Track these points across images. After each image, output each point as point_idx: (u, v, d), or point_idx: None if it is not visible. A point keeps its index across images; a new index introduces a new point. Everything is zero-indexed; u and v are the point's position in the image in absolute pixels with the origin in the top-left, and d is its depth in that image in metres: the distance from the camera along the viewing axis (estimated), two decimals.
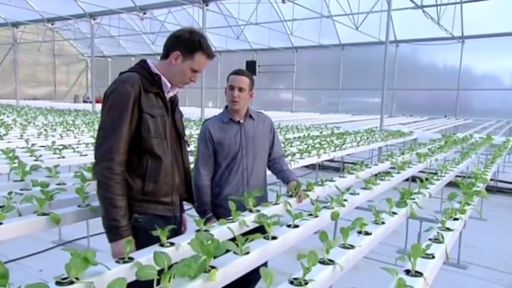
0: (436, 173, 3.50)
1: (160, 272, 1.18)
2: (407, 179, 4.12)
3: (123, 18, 17.96)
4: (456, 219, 2.09)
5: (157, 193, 1.81)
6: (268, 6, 15.75)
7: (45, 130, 6.07)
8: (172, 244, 1.59)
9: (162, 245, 1.58)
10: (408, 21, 15.24)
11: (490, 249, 4.35)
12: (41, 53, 25.80)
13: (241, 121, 2.47)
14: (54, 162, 3.32)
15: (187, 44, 1.79)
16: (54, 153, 3.72)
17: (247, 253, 1.52)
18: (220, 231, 1.78)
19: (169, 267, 1.20)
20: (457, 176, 4.06)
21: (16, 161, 3.00)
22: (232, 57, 20.84)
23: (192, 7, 13.60)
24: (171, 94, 1.92)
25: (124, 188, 1.71)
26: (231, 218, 1.93)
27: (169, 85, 1.86)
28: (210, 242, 1.36)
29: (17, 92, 19.22)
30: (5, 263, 3.79)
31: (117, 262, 1.38)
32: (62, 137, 5.34)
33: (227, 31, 17.38)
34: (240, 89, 2.37)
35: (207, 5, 10.92)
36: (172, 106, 1.95)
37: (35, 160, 3.34)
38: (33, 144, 4.05)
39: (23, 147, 4.06)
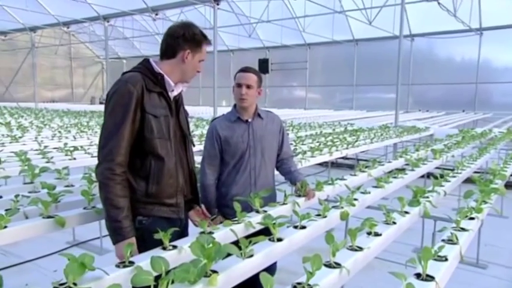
0: (453, 170, 3.38)
1: (158, 278, 1.15)
2: (422, 176, 4.00)
3: (136, 20, 18.12)
4: (472, 218, 2.00)
5: (161, 195, 1.79)
6: (280, 3, 15.63)
7: (59, 132, 6.15)
8: (174, 247, 1.56)
9: (164, 248, 1.55)
10: (423, 14, 14.88)
11: (510, 248, 4.19)
12: (58, 56, 26.28)
13: (250, 120, 2.42)
14: (65, 163, 3.35)
15: (194, 39, 1.81)
16: (66, 155, 3.76)
17: (251, 256, 1.48)
18: (225, 233, 1.74)
19: (168, 272, 1.17)
20: (475, 172, 3.93)
21: (27, 163, 3.03)
22: (245, 55, 20.78)
23: (204, 6, 13.60)
24: (175, 93, 1.89)
25: (125, 189, 1.69)
26: (236, 219, 1.89)
27: (172, 84, 1.84)
28: (211, 245, 1.32)
29: (36, 95, 19.65)
30: (21, 263, 3.81)
31: (117, 266, 1.36)
32: (75, 138, 5.41)
33: (239, 29, 17.32)
34: (248, 86, 2.33)
35: (218, 4, 10.90)
36: (176, 106, 1.92)
37: (47, 162, 3.37)
38: (45, 146, 4.10)
39: (37, 149, 4.11)
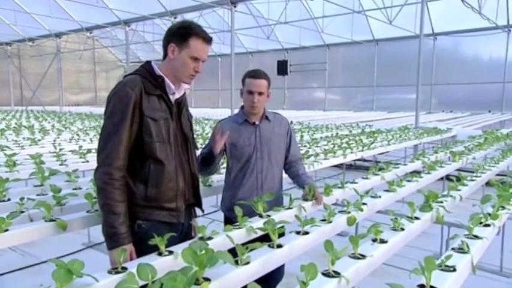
0: (472, 173, 3.23)
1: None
2: (441, 179, 3.84)
3: (156, 24, 18.40)
4: (488, 225, 1.88)
5: (160, 199, 1.76)
6: (298, 4, 15.52)
7: (77, 135, 6.28)
8: (171, 252, 1.53)
9: (160, 254, 1.52)
10: (446, 12, 14.46)
11: None
12: (83, 61, 26.98)
13: (257, 122, 2.38)
14: (78, 166, 3.40)
15: (179, 32, 1.74)
16: (80, 158, 3.81)
17: (248, 263, 1.43)
18: (224, 238, 1.69)
19: (154, 281, 1.13)
20: (497, 175, 3.75)
21: (43, 166, 3.08)
22: (264, 57, 20.77)
23: (222, 9, 13.66)
24: (177, 96, 1.86)
25: (123, 194, 1.66)
26: (237, 224, 1.85)
27: (173, 87, 1.81)
28: (203, 252, 1.28)
29: (61, 99, 20.24)
30: (37, 264, 3.86)
31: (109, 273, 1.33)
32: (91, 141, 5.49)
33: (257, 32, 17.33)
34: (260, 93, 2.29)
35: (235, 6, 10.92)
36: (178, 109, 1.89)
37: (60, 164, 3.42)
38: (60, 149, 4.17)
39: (53, 152, 4.19)
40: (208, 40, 1.77)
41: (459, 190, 2.55)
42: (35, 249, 4.02)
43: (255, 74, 2.32)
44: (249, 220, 1.88)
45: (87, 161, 3.70)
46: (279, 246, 1.61)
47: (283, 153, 2.47)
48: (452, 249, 1.57)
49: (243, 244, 1.46)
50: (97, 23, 16.44)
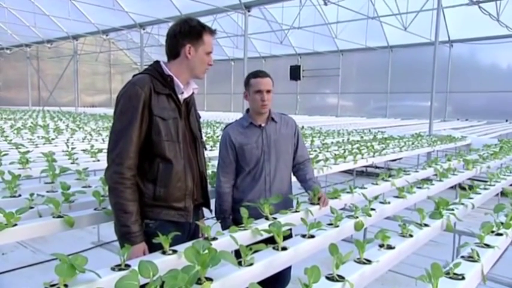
0: (486, 182, 3.16)
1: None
2: (452, 188, 3.76)
3: None
4: (500, 234, 1.83)
5: (169, 198, 1.76)
6: (312, 10, 15.50)
7: (90, 135, 6.36)
8: (175, 252, 1.53)
9: (164, 253, 1.52)
10: (463, 19, 14.27)
11: None
12: (99, 63, 27.46)
13: (263, 125, 2.38)
14: (89, 165, 3.44)
15: (192, 32, 1.77)
16: (91, 157, 3.86)
17: (251, 265, 1.41)
18: (229, 239, 1.68)
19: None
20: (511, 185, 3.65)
21: (55, 164, 3.12)
22: (277, 62, 20.79)
23: (236, 13, 13.73)
24: (185, 95, 1.87)
25: (135, 193, 1.67)
26: (243, 225, 1.83)
27: (181, 86, 1.82)
28: (206, 251, 1.27)
29: (77, 100, 20.59)
30: (48, 261, 3.91)
31: (113, 270, 1.34)
32: (104, 141, 5.56)
33: (271, 36, 17.36)
34: (268, 91, 2.30)
35: (249, 11, 10.97)
36: (187, 108, 1.90)
37: (72, 163, 3.47)
38: (73, 148, 4.23)
39: (66, 151, 4.25)
40: (214, 32, 1.85)
41: (471, 198, 2.49)
42: (45, 247, 4.08)
43: (260, 73, 2.34)
44: (255, 222, 1.87)
45: (98, 160, 3.74)
46: (284, 248, 1.60)
47: (291, 154, 2.45)
48: (462, 257, 1.53)
49: (249, 246, 1.45)
50: (113, 25, 16.71)
